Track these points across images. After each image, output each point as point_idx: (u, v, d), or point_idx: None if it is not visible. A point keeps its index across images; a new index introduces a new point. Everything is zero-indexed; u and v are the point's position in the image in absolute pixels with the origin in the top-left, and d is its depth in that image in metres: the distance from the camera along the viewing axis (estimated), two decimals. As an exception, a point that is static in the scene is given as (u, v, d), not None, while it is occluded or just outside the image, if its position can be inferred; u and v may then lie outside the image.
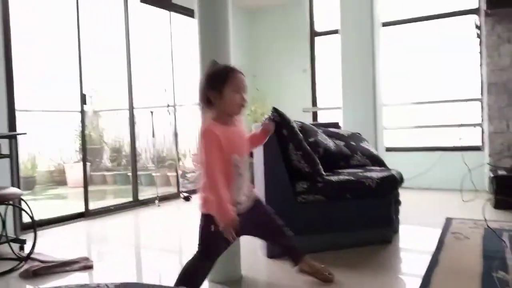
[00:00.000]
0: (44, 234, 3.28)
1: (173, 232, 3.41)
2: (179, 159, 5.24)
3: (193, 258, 1.79)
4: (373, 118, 4.22)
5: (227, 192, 1.65)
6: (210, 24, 2.20)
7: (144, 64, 5.46)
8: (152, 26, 5.53)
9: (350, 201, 2.60)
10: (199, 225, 1.78)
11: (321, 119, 5.71)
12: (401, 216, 2.95)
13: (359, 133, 3.43)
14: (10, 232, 2.98)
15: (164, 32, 5.04)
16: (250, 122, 4.84)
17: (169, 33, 4.98)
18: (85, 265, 2.48)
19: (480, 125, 4.59)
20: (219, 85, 1.71)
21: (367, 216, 2.64)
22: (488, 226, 2.85)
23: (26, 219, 3.11)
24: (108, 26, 5.65)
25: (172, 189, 5.10)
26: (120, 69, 4.57)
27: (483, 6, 3.94)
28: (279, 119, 2.66)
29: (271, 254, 2.44)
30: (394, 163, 3.42)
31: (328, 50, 5.55)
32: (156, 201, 4.45)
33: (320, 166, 2.68)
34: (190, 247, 2.88)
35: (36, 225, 2.73)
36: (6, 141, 2.95)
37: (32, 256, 2.60)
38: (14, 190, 2.66)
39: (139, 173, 4.86)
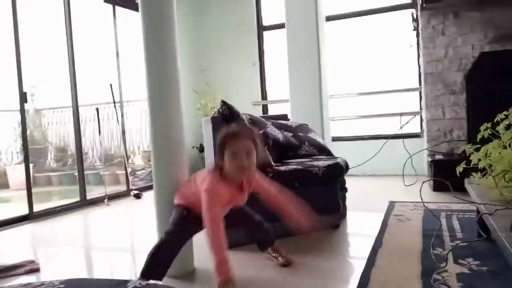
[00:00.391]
0: (-15, 240, 3.13)
1: (124, 230, 3.36)
2: (128, 157, 5.14)
3: (158, 241, 1.90)
4: (319, 110, 4.35)
5: (225, 243, 1.74)
6: (154, 18, 2.18)
7: (89, 59, 5.29)
8: (95, 19, 5.36)
9: (299, 190, 2.67)
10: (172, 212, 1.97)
11: (272, 111, 5.80)
12: (348, 202, 3.08)
13: (306, 124, 3.53)
14: None
15: (108, 26, 4.90)
16: (200, 116, 4.83)
17: (114, 27, 4.85)
18: (31, 269, 2.39)
19: (419, 113, 4.86)
20: (221, 151, 1.86)
21: (316, 203, 2.71)
22: (426, 207, 3.05)
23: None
24: (49, 19, 5.40)
25: (122, 187, 4.99)
26: (63, 65, 4.40)
27: (419, 0, 4.16)
28: (228, 112, 2.70)
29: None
30: (340, 152, 3.56)
31: (277, 44, 5.63)
32: (105, 200, 4.35)
33: (270, 157, 2.74)
34: (142, 244, 2.86)
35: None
36: None
37: (-27, 262, 2.47)
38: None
39: (86, 172, 4.71)
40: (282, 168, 2.69)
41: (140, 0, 2.18)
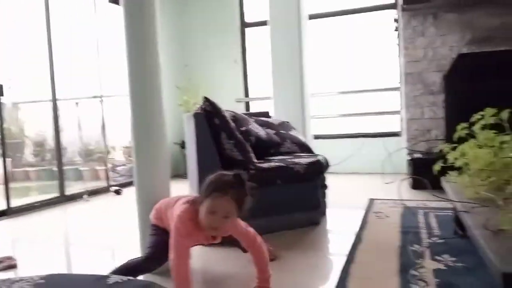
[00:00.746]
0: (-41, 236, 3.06)
1: (103, 226, 3.32)
2: (108, 152, 5.08)
3: (139, 258, 1.91)
4: (301, 108, 4.38)
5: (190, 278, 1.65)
6: (136, 11, 2.15)
7: (68, 52, 5.19)
8: (75, 12, 5.26)
9: (281, 187, 2.71)
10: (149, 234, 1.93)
11: (254, 109, 5.80)
12: (329, 199, 3.12)
13: (288, 122, 3.55)
14: None
15: (89, 18, 4.82)
16: (182, 112, 4.81)
17: (95, 20, 4.78)
18: (9, 265, 2.36)
19: (399, 112, 4.95)
20: (204, 195, 1.65)
21: (296, 200, 2.77)
22: (404, 204, 3.11)
23: None
24: (27, 10, 5.28)
25: (102, 183, 4.94)
26: (41, 58, 4.31)
27: (400, 1, 4.23)
28: (210, 108, 2.69)
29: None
30: (321, 149, 3.59)
31: (260, 41, 5.64)
32: (85, 196, 4.29)
33: (252, 154, 2.76)
34: (121, 240, 2.84)
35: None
36: None
37: None
38: None
39: (65, 167, 4.64)
40: (264, 165, 2.70)
41: (122, -7, 2.16)
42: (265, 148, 3.06)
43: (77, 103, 4.64)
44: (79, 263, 2.52)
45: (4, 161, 3.87)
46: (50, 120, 4.48)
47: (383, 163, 4.48)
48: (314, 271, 2.06)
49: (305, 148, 3.25)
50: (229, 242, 1.92)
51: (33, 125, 6.75)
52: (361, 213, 3.02)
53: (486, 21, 4.02)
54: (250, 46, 5.85)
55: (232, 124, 2.77)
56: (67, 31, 5.13)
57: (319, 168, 2.84)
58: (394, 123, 5.01)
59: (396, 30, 4.78)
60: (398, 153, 4.57)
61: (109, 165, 4.99)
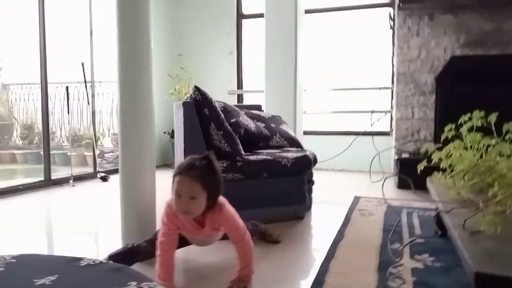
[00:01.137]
0: None
1: (87, 212, 3.30)
2: (97, 138, 5.04)
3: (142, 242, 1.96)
4: (293, 102, 4.37)
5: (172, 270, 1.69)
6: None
7: (61, 36, 5.13)
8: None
9: (267, 180, 2.71)
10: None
11: (247, 101, 5.79)
12: (314, 194, 3.13)
13: (279, 116, 3.54)
14: None
15: (83, 3, 4.76)
16: (173, 101, 4.77)
17: (88, 4, 4.72)
18: (-12, 246, 2.34)
19: (390, 112, 4.96)
20: (172, 182, 1.64)
21: (282, 194, 2.77)
22: (387, 203, 3.13)
23: None
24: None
25: (89, 169, 4.90)
26: (33, 40, 4.25)
27: (397, 0, 4.23)
28: (200, 98, 2.68)
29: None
30: (311, 145, 3.60)
31: (256, 33, 5.60)
32: (71, 181, 4.26)
33: (240, 146, 2.75)
34: (104, 226, 2.83)
35: None
36: None
37: None
38: None
39: (52, 152, 4.60)
40: (252, 157, 2.70)
41: (114, -23, 2.14)
42: (254, 141, 3.06)
43: (67, 87, 4.59)
44: (58, 246, 2.51)
45: (-10, 142, 3.82)
46: (39, 103, 4.42)
47: (372, 162, 4.50)
48: (295, 265, 2.07)
49: (294, 143, 3.25)
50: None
51: (22, 107, 6.69)
52: (346, 210, 3.03)
53: (480, 24, 4.03)
54: (246, 38, 5.81)
55: (222, 116, 2.75)
56: (61, 13, 5.07)
57: (306, 163, 2.84)
58: (384, 122, 5.01)
59: (391, 28, 4.78)
60: (387, 152, 4.59)
61: (97, 152, 4.95)
